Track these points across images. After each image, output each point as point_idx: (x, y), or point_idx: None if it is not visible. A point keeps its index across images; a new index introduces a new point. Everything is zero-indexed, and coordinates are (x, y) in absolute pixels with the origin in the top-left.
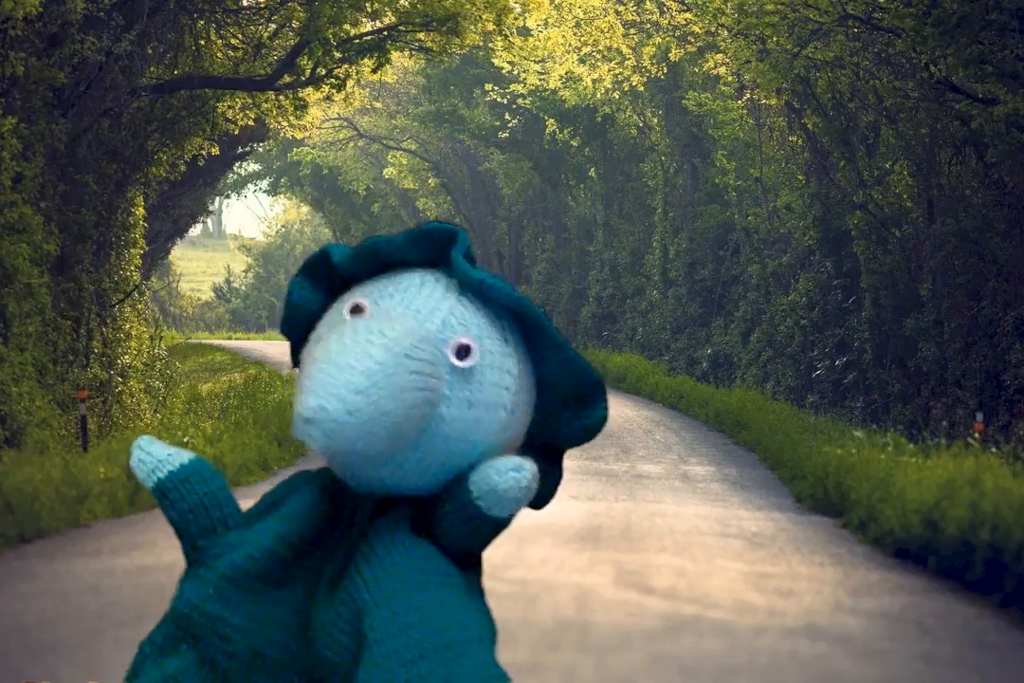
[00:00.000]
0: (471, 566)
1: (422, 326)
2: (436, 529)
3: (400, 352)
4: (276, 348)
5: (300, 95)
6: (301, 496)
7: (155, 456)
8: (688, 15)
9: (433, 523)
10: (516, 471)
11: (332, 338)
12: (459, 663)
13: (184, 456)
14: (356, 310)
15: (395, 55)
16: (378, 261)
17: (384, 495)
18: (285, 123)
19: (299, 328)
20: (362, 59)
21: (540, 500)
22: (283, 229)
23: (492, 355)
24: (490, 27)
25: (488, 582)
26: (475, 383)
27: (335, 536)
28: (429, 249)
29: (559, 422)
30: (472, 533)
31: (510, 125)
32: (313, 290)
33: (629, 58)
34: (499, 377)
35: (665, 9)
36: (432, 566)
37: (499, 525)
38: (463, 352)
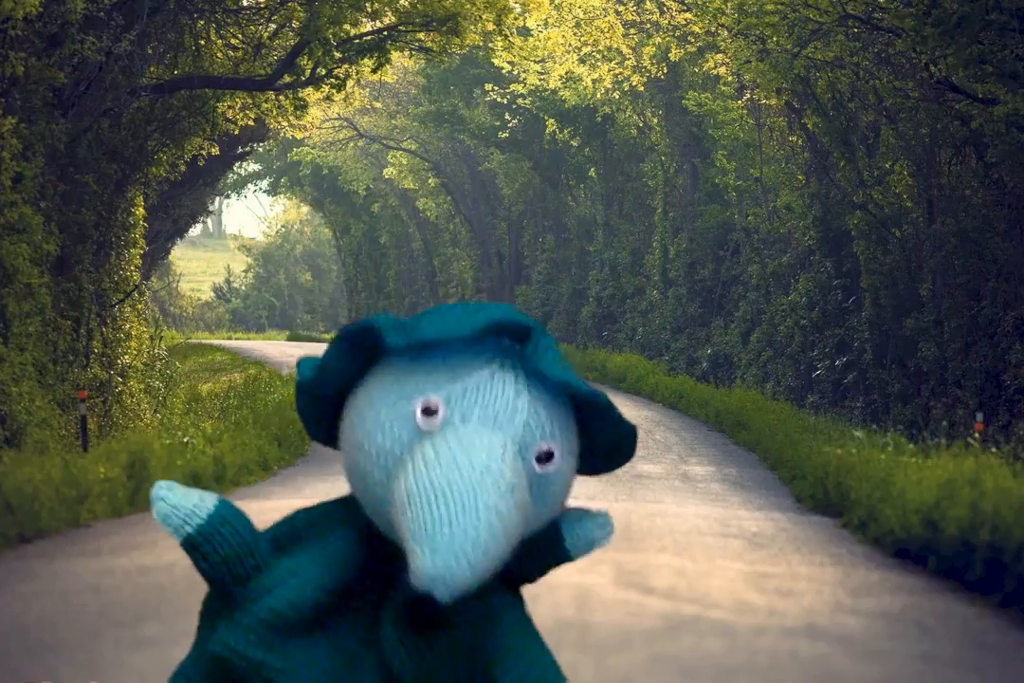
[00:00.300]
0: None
1: (506, 435)
2: (510, 565)
3: (508, 490)
4: (276, 348)
5: (300, 95)
6: (338, 543)
7: (181, 509)
8: (688, 15)
9: (515, 564)
10: (607, 524)
11: (435, 478)
12: None
13: (210, 503)
14: (427, 411)
15: (395, 55)
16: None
17: None
18: (285, 123)
19: (336, 388)
20: (362, 59)
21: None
22: (283, 229)
23: (566, 446)
24: (490, 27)
25: None
26: (553, 480)
27: (372, 577)
28: (497, 340)
29: (590, 463)
30: (545, 569)
31: (510, 125)
32: (350, 358)
33: (629, 58)
34: (569, 464)
35: (665, 9)
36: (522, 613)
37: (568, 561)
38: (545, 457)
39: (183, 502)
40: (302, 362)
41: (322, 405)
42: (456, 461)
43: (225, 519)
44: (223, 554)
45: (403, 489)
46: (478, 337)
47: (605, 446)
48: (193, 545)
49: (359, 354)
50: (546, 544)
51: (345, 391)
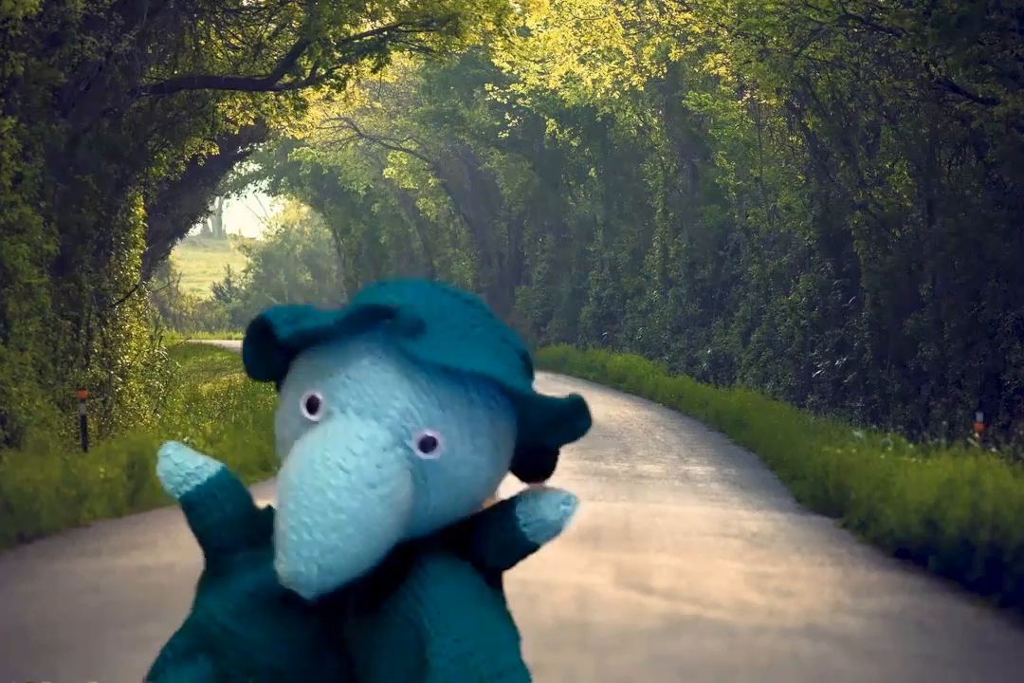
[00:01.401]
0: (496, 581)
1: (382, 425)
2: (472, 550)
3: (363, 486)
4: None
5: (300, 95)
6: None
7: (183, 468)
8: (688, 15)
9: (471, 545)
10: (567, 503)
11: (291, 468)
12: None
13: (212, 468)
14: (312, 407)
15: (395, 55)
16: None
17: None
18: (285, 123)
19: (271, 375)
20: (362, 59)
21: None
22: (283, 229)
23: (460, 431)
24: (490, 27)
25: None
26: (449, 464)
27: None
28: (372, 327)
29: (543, 437)
30: (508, 555)
31: (510, 125)
32: (262, 356)
33: (629, 58)
34: (471, 449)
35: (665, 9)
36: (475, 587)
37: (535, 549)
38: (429, 444)
39: (187, 462)
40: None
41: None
42: (311, 459)
43: (224, 485)
44: (217, 518)
45: (281, 486)
46: (351, 326)
47: (539, 424)
48: (190, 505)
49: (270, 348)
50: (498, 529)
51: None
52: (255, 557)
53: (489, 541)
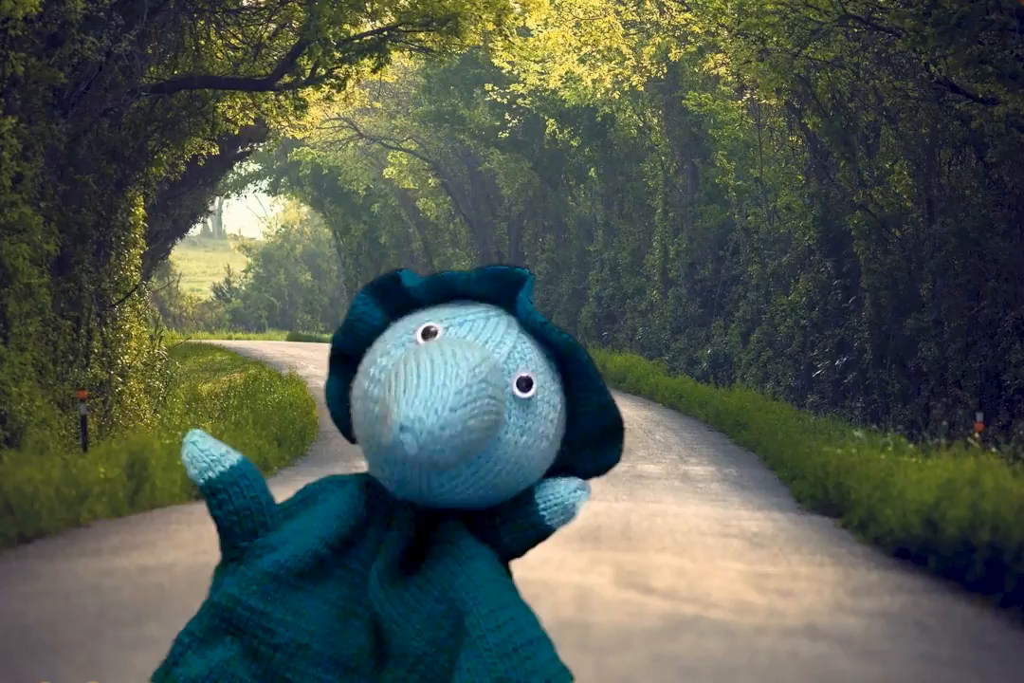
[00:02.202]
0: (507, 570)
1: (493, 355)
2: (490, 536)
3: (481, 377)
4: (276, 348)
5: (300, 95)
6: (339, 498)
7: (208, 455)
8: (688, 15)
9: (488, 530)
10: (581, 489)
11: (421, 356)
12: (540, 656)
13: (234, 457)
14: (427, 334)
15: (395, 55)
16: (447, 291)
17: (426, 505)
18: (285, 123)
19: (358, 341)
20: (362, 59)
21: None
22: (283, 229)
23: (545, 390)
24: (490, 27)
25: None
26: (530, 413)
27: (368, 536)
28: (497, 288)
29: (578, 457)
30: (525, 540)
31: (510, 125)
32: (375, 307)
33: (629, 58)
34: (548, 410)
35: (665, 9)
36: (499, 568)
37: (548, 534)
38: (525, 384)
39: (212, 449)
40: (336, 331)
41: (348, 374)
42: (441, 349)
43: (245, 473)
44: (238, 504)
45: (391, 372)
46: (481, 282)
47: (591, 427)
48: (213, 490)
49: (383, 304)
50: (518, 514)
51: (367, 349)
52: (272, 542)
53: (508, 526)
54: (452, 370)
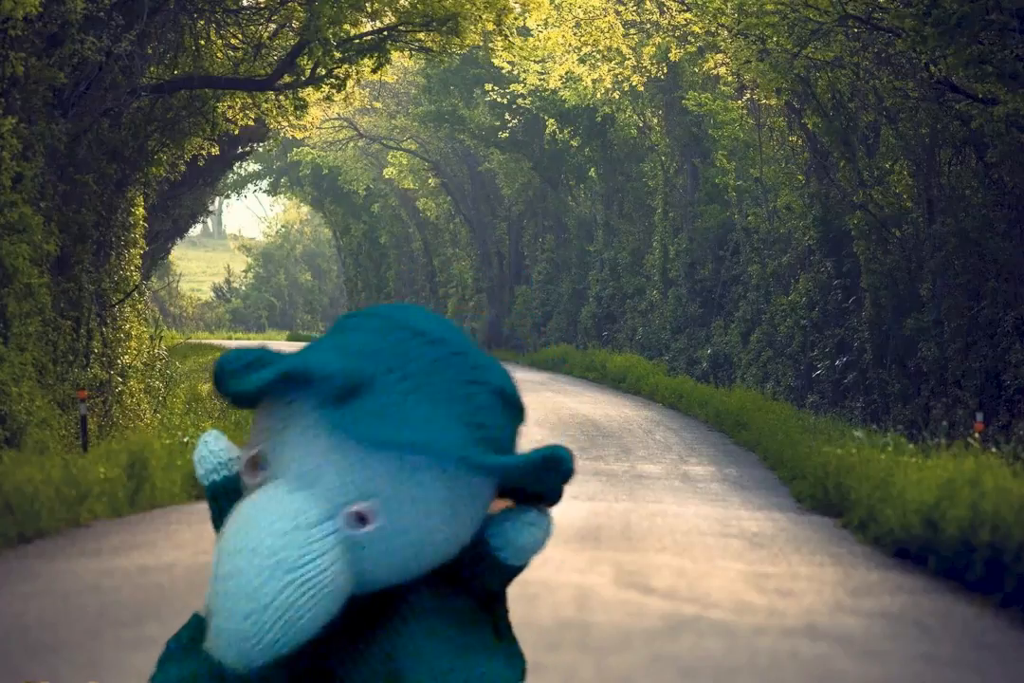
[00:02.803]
0: (494, 598)
1: (314, 497)
2: (457, 574)
3: (281, 572)
4: (276, 348)
5: (300, 95)
6: None
7: (217, 457)
8: (688, 15)
9: (454, 568)
10: (532, 525)
11: (218, 546)
12: None
13: (234, 468)
14: (254, 464)
15: (395, 55)
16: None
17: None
18: (285, 123)
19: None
20: (362, 59)
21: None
22: (283, 229)
23: (400, 500)
24: (490, 27)
25: None
26: (389, 534)
27: None
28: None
29: (517, 490)
30: (493, 578)
31: (510, 125)
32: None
33: (629, 58)
34: (416, 513)
35: (665, 9)
36: (460, 617)
37: (519, 569)
38: (359, 519)
39: (222, 452)
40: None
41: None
42: (234, 537)
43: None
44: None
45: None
46: (275, 390)
47: (514, 480)
48: (215, 494)
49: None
50: (475, 554)
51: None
52: None
53: (470, 567)
54: (241, 581)
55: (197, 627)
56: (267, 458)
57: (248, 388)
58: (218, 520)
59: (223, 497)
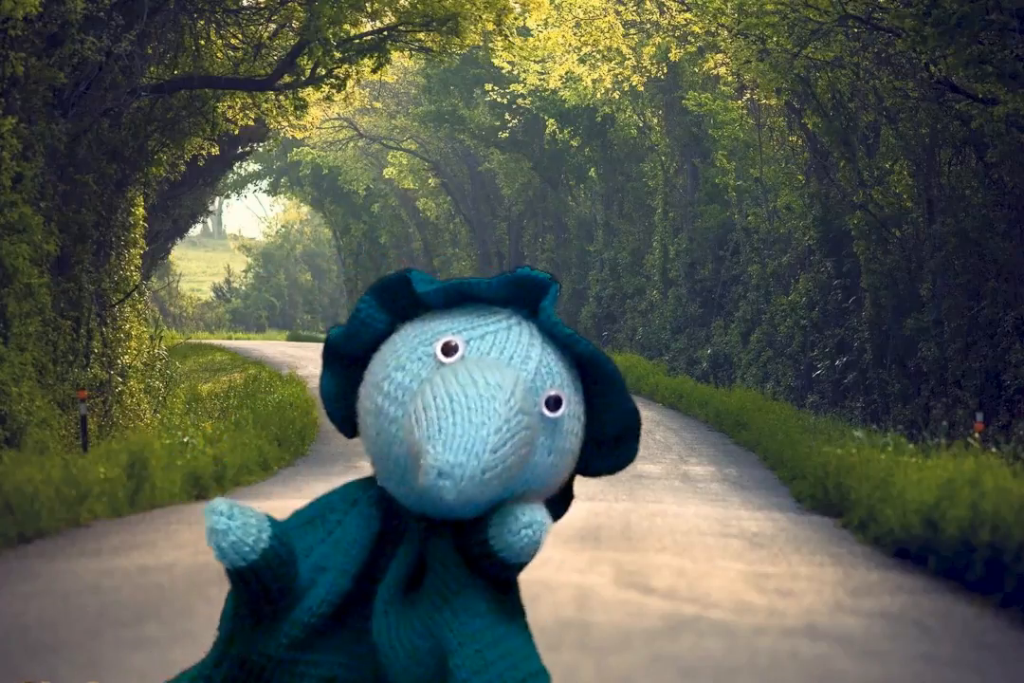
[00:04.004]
0: (512, 587)
1: (522, 376)
2: (484, 550)
3: (517, 409)
4: (276, 348)
5: (300, 95)
6: (354, 521)
7: (239, 548)
8: (688, 15)
9: (481, 545)
10: (528, 528)
11: (450, 386)
12: None
13: (265, 537)
14: (448, 349)
15: (395, 55)
16: (463, 298)
17: (440, 518)
18: (285, 123)
19: (362, 345)
20: (362, 59)
21: (555, 517)
22: (283, 229)
23: (570, 404)
24: (490, 27)
25: None
26: (558, 432)
27: (384, 553)
28: (517, 293)
29: (594, 456)
30: (499, 572)
31: (510, 125)
32: (381, 310)
33: (629, 58)
34: (573, 425)
35: (665, 9)
36: (494, 599)
37: (524, 564)
38: (554, 403)
39: (242, 540)
40: (333, 328)
41: (346, 373)
42: (472, 378)
43: (278, 554)
44: (267, 583)
45: (419, 402)
46: (500, 288)
47: (611, 428)
48: (242, 578)
49: (389, 306)
50: (481, 547)
51: (371, 352)
52: (296, 590)
53: (481, 561)
54: (488, 406)
55: (232, 665)
56: (464, 342)
57: (477, 285)
58: (249, 598)
59: (252, 578)
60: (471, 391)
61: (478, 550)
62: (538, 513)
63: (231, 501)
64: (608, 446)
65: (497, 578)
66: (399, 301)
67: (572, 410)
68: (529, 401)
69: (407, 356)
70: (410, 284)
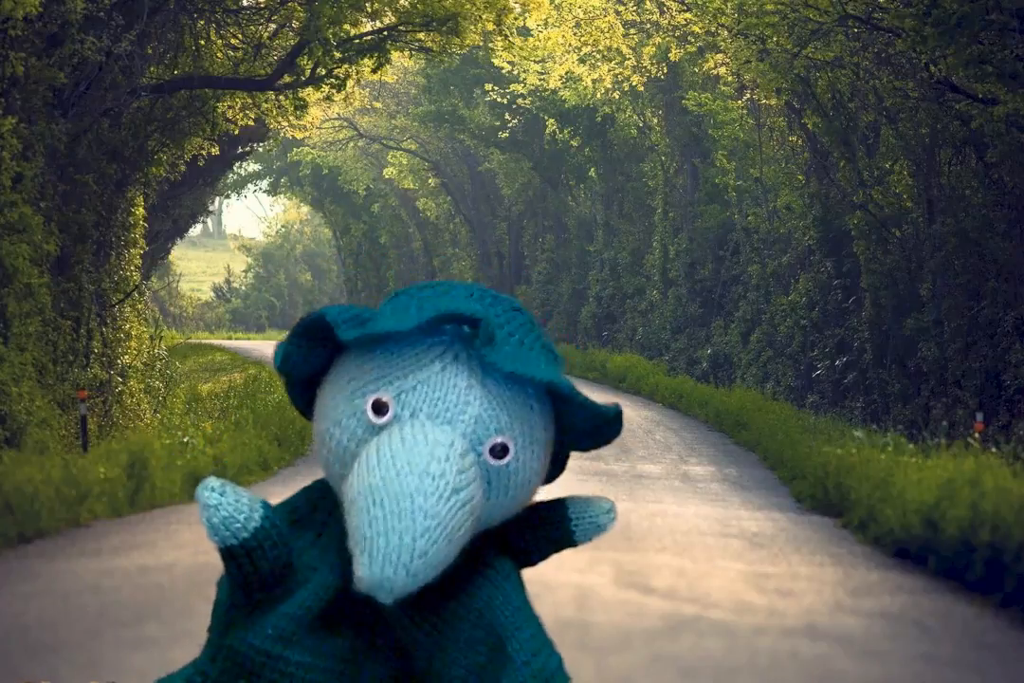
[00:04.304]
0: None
1: (456, 431)
2: (519, 546)
3: (449, 492)
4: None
5: (300, 95)
6: (341, 520)
7: (231, 523)
8: (688, 15)
9: (510, 538)
10: (611, 511)
11: (373, 472)
12: (565, 675)
13: (257, 516)
14: (378, 406)
15: (395, 55)
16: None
17: None
18: (285, 123)
19: (302, 392)
20: (362, 59)
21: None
22: (283, 229)
23: (524, 437)
24: (490, 27)
25: None
26: (512, 471)
27: None
28: (453, 328)
29: (575, 445)
30: (547, 551)
31: (510, 125)
32: (313, 348)
33: (629, 58)
34: (531, 455)
35: (665, 9)
36: (523, 584)
37: (571, 547)
38: (500, 450)
39: (233, 516)
40: (277, 347)
41: (299, 390)
42: (395, 464)
43: (269, 534)
44: (259, 566)
45: (353, 486)
46: (427, 328)
47: (584, 429)
48: (233, 555)
49: (317, 345)
50: (549, 525)
51: (317, 377)
52: (289, 583)
53: (536, 535)
54: (413, 504)
55: (226, 658)
56: (393, 399)
57: (400, 328)
58: (239, 576)
59: (243, 557)
60: (394, 485)
61: (540, 534)
62: (613, 503)
63: (224, 480)
64: (588, 435)
65: (527, 563)
66: (329, 337)
67: (526, 441)
68: (470, 471)
69: (342, 410)
70: (330, 328)
